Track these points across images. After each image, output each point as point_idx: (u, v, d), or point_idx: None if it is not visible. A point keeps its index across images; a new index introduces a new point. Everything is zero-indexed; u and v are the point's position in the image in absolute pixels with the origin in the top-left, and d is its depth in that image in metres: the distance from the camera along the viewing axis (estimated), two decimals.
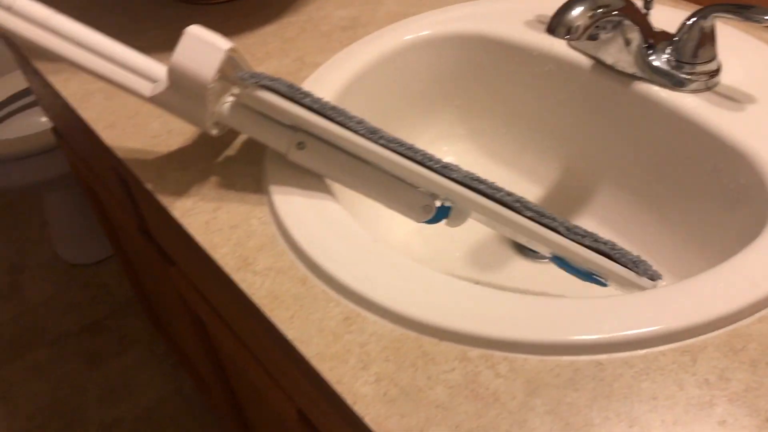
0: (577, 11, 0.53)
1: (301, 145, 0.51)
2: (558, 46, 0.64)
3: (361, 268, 0.46)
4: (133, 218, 0.84)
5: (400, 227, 0.65)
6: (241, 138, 0.59)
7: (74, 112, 0.66)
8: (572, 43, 0.63)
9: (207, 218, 0.53)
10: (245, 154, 0.58)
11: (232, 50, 0.50)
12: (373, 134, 0.50)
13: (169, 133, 0.61)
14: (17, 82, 1.58)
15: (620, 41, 0.58)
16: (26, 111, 1.59)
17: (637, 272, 0.50)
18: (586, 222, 0.65)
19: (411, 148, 0.50)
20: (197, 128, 0.61)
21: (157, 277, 0.97)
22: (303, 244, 0.48)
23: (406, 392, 0.40)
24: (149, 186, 0.56)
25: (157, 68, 0.53)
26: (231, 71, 0.52)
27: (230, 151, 0.59)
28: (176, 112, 0.53)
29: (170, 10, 0.80)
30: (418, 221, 0.52)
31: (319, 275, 0.47)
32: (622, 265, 0.50)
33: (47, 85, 0.72)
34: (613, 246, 0.50)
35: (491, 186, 0.50)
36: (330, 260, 0.46)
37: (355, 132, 0.50)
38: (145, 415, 1.31)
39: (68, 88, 0.69)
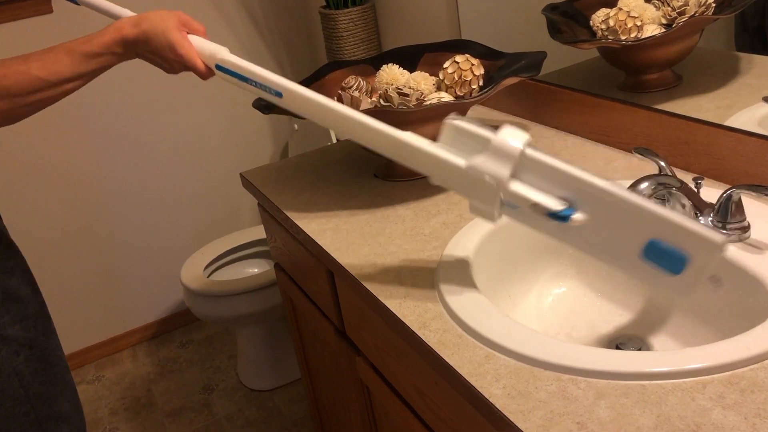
0: (644, 185, 0.83)
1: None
2: None
3: (494, 328, 0.74)
4: (331, 322, 1.16)
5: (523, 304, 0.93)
6: (424, 253, 0.92)
7: (313, 241, 1.02)
8: None
9: (399, 301, 0.84)
10: (422, 274, 0.90)
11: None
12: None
13: (375, 254, 0.95)
14: (236, 238, 2.05)
15: (678, 207, 0.87)
16: (240, 262, 2.05)
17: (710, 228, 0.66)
18: (661, 338, 0.89)
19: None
20: (397, 255, 0.94)
21: (339, 377, 1.26)
22: (460, 314, 0.78)
23: (521, 393, 0.67)
24: (359, 278, 0.89)
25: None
26: None
27: (413, 258, 0.91)
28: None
29: (371, 183, 1.18)
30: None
31: (469, 333, 0.76)
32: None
33: (293, 226, 1.10)
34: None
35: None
36: (476, 323, 0.76)
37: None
38: None
39: (309, 227, 1.06)
